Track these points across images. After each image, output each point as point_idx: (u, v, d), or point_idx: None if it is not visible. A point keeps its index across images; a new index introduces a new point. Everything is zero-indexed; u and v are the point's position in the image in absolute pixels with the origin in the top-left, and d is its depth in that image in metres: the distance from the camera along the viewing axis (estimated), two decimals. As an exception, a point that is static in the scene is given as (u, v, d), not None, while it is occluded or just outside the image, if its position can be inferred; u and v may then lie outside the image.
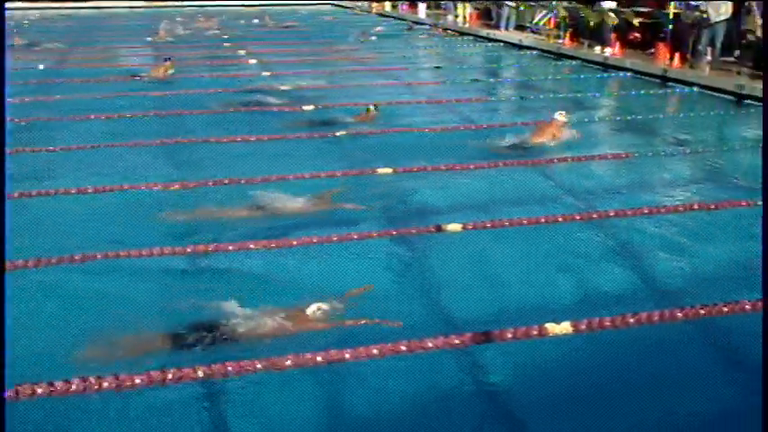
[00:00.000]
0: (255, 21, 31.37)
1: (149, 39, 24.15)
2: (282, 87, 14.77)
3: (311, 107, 12.84)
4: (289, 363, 4.65)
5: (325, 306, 5.27)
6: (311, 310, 5.23)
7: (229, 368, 4.56)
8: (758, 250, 6.93)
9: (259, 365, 4.61)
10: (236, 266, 6.36)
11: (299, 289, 5.77)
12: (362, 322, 5.17)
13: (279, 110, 12.80)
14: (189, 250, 6.52)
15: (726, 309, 5.31)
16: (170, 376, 4.48)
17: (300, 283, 5.94)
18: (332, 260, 6.48)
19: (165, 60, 16.91)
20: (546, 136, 10.49)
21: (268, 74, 16.91)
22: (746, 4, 17.38)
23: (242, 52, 20.88)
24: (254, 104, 13.14)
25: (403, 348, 4.79)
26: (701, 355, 5.23)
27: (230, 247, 6.57)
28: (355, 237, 6.81)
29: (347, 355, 4.75)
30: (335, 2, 42.28)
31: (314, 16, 34.79)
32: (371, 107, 12.08)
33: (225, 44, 23.05)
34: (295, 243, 6.69)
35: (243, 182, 8.40)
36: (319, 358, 4.71)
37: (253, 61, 19.20)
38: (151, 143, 10.37)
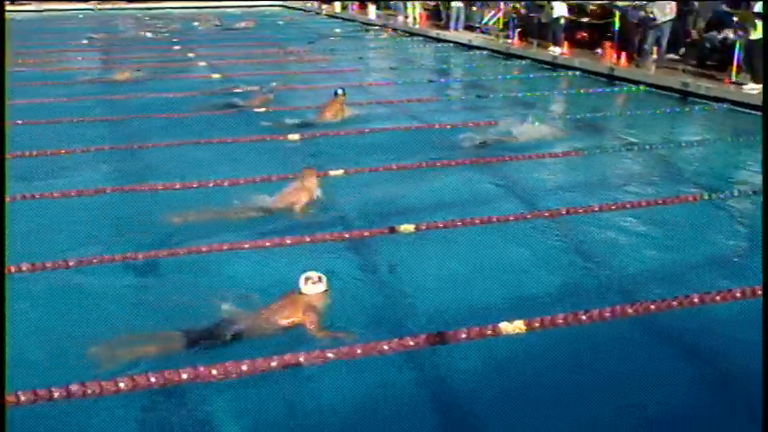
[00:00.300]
0: (201, 23, 31.08)
1: (86, 42, 23.76)
2: (234, 90, 14.66)
3: (263, 109, 12.76)
4: (245, 368, 4.60)
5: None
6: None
7: (184, 375, 4.50)
8: (705, 245, 7.11)
9: (214, 371, 4.56)
10: (189, 270, 6.30)
11: (250, 292, 5.73)
12: (321, 335, 5.12)
13: (230, 113, 12.70)
14: (141, 256, 6.45)
15: (675, 303, 5.39)
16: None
17: (253, 287, 5.89)
18: (285, 263, 6.43)
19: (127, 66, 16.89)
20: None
21: (219, 76, 16.78)
22: (690, 4, 17.73)
23: (191, 55, 20.68)
24: (204, 108, 13.01)
25: (358, 352, 4.78)
26: (653, 350, 5.29)
27: (181, 252, 6.49)
28: (308, 240, 6.77)
29: (302, 359, 4.72)
30: (285, 3, 42.07)
31: (264, 17, 34.58)
32: (339, 91, 12.12)
33: (175, 47, 22.81)
34: (247, 246, 6.64)
35: (195, 185, 8.33)
36: (274, 363, 4.67)
37: (202, 64, 19.03)
38: (102, 148, 10.23)
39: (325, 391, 4.67)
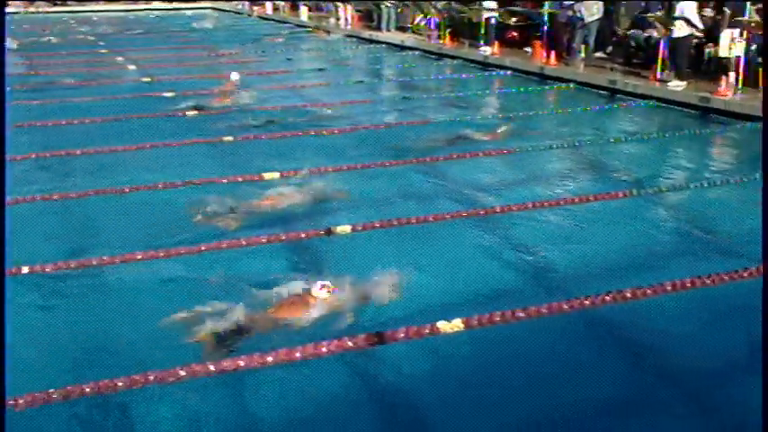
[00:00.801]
0: (134, 26, 30.61)
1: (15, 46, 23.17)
2: (165, 94, 14.44)
3: (195, 113, 12.61)
4: (183, 373, 4.53)
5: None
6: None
7: (119, 383, 4.42)
8: (636, 240, 7.25)
9: (151, 377, 4.48)
10: (125, 277, 6.20)
11: (190, 299, 5.65)
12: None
13: (161, 116, 12.51)
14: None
15: (608, 298, 5.48)
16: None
17: (194, 292, 5.82)
18: (225, 267, 6.37)
19: None
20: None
21: (149, 80, 16.52)
22: (616, 4, 18.13)
23: (120, 59, 20.31)
24: (135, 112, 12.79)
25: (297, 355, 4.75)
26: (589, 345, 5.38)
27: (117, 260, 6.37)
28: (244, 243, 6.71)
29: (241, 363, 4.67)
30: (215, 5, 41.66)
31: (195, 20, 34.15)
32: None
33: (102, 51, 22.38)
34: (183, 251, 6.55)
35: (126, 190, 8.19)
36: (212, 368, 4.62)
37: (132, 67, 18.71)
38: (27, 156, 9.97)
39: (264, 396, 4.64)
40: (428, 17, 23.24)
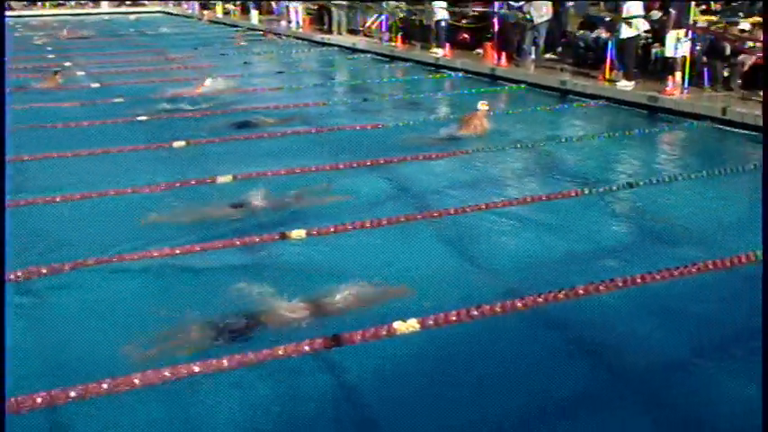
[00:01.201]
0: (83, 30, 30.18)
1: None
2: (115, 99, 14.28)
3: (146, 117, 12.49)
4: (137, 381, 4.49)
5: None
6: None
7: (71, 393, 4.35)
8: (588, 238, 7.35)
9: (105, 385, 4.42)
10: (76, 285, 6.12)
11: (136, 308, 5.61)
12: None
13: (112, 122, 12.35)
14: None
15: (561, 295, 5.56)
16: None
17: (136, 303, 5.78)
18: (177, 275, 6.32)
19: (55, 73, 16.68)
20: (472, 127, 11.38)
21: (97, 85, 16.31)
22: (564, 5, 18.37)
23: (68, 64, 20.01)
24: (86, 118, 12.61)
25: (252, 358, 4.73)
26: (543, 343, 5.44)
27: (43, 270, 6.22)
28: (197, 249, 6.66)
29: (196, 369, 4.64)
30: (165, 9, 41.26)
31: (145, 24, 33.79)
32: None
33: (49, 56, 22.03)
34: (137, 257, 6.48)
35: (77, 197, 8.08)
36: (167, 373, 4.57)
37: (81, 73, 18.45)
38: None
39: (221, 402, 4.62)
40: (382, 14, 23.26)
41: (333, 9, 25.16)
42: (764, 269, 5.23)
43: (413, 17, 21.75)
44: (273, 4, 33.03)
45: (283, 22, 29.71)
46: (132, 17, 37.81)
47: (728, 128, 11.78)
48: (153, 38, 28.02)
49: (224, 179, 8.67)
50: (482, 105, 11.71)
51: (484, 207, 7.89)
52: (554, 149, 10.80)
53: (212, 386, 4.68)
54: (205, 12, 38.12)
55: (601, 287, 5.71)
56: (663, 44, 14.22)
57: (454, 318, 5.23)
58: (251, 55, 22.90)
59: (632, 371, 5.07)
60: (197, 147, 10.64)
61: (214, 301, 5.73)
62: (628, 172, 9.70)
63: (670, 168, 10.00)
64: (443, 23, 19.65)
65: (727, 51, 13.57)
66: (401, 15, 22.08)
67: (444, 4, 19.85)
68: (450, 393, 4.76)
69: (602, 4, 17.35)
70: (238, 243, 6.92)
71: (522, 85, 15.81)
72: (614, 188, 8.74)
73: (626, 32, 14.13)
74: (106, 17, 37.34)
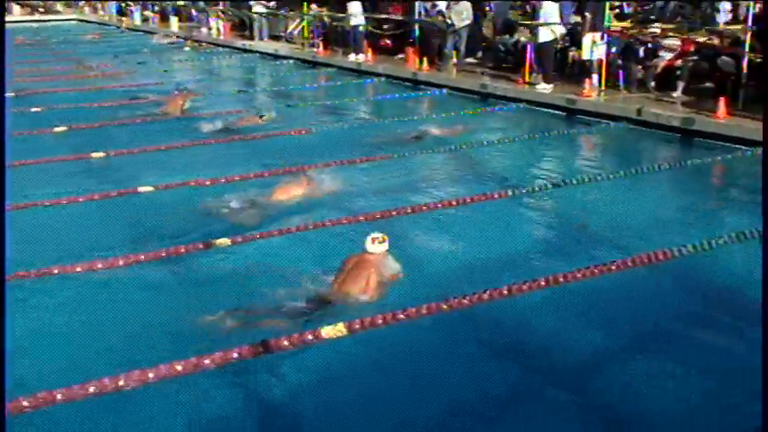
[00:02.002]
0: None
1: None
2: (32, 109, 13.91)
3: (64, 128, 12.20)
4: (60, 397, 4.38)
5: None
6: None
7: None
8: (511, 239, 7.46)
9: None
10: None
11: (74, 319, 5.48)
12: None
13: (28, 133, 12.02)
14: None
15: (486, 296, 5.63)
16: None
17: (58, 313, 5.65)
18: (99, 289, 6.20)
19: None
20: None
21: (12, 94, 15.85)
22: (485, 9, 18.67)
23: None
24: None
25: (179, 369, 4.66)
26: (470, 343, 5.49)
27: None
28: (121, 262, 6.53)
29: (121, 382, 4.55)
30: (82, 17, 40.39)
31: (61, 32, 33.00)
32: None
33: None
34: (56, 272, 6.33)
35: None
36: (92, 389, 4.47)
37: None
38: None
39: (150, 415, 4.54)
40: (304, 21, 23.21)
41: (255, 15, 24.98)
42: (764, 267, 5.36)
43: (334, 23, 21.77)
44: (193, 10, 32.64)
45: (203, 29, 29.39)
46: (52, 24, 36.88)
47: (643, 128, 12.13)
48: (72, 46, 27.37)
49: (145, 189, 8.52)
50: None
51: (410, 210, 7.93)
52: (476, 152, 10.93)
53: (138, 400, 4.60)
54: (123, 19, 37.48)
55: (524, 287, 5.80)
56: (579, 47, 14.57)
57: (380, 321, 5.25)
58: (171, 63, 22.59)
59: (558, 369, 5.16)
60: (117, 157, 10.43)
61: (137, 314, 5.63)
62: (549, 173, 9.88)
63: (589, 169, 10.23)
64: (361, 28, 19.71)
65: (641, 54, 13.99)
66: (325, 20, 22.06)
67: (360, 8, 19.83)
68: (376, 396, 4.77)
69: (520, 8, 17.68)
70: (163, 254, 6.81)
71: (444, 90, 15.98)
72: (536, 189, 8.88)
73: (544, 37, 14.41)
74: (25, 25, 36.28)
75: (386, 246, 6.03)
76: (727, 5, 13.79)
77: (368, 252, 5.97)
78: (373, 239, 5.99)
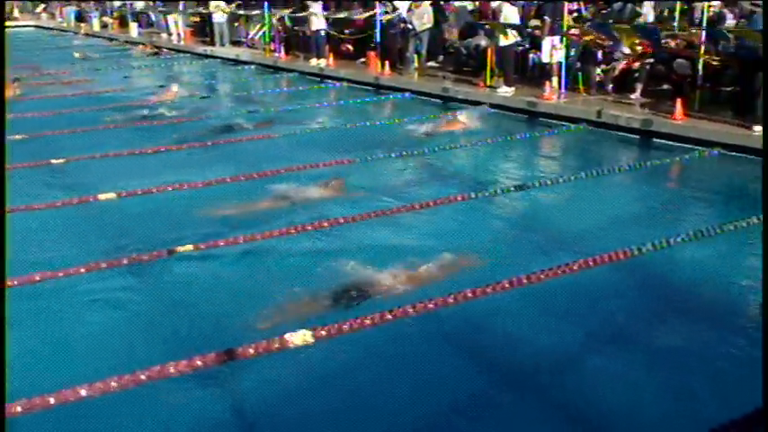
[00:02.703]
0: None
1: None
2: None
3: (22, 136, 12.03)
4: (19, 409, 4.32)
5: None
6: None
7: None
8: (476, 240, 7.51)
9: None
10: None
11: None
12: None
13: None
14: None
15: (450, 300, 5.67)
16: None
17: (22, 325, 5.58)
18: (64, 300, 6.13)
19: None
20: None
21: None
22: (446, 13, 18.77)
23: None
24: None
25: (143, 378, 4.63)
26: (436, 347, 5.52)
27: None
28: (83, 270, 6.46)
29: (83, 393, 4.50)
30: (39, 23, 39.88)
31: (18, 38, 32.55)
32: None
33: None
34: (16, 283, 6.24)
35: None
36: (52, 400, 4.42)
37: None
38: None
39: (112, 426, 4.51)
40: (262, 29, 23.12)
41: (215, 20, 24.81)
42: (764, 266, 5.42)
43: (296, 28, 21.73)
44: (152, 16, 32.35)
45: (164, 35, 29.16)
46: (8, 31, 36.30)
47: (603, 129, 12.29)
48: (29, 53, 26.98)
49: (107, 196, 8.44)
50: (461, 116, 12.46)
51: (372, 215, 7.94)
52: (440, 155, 10.99)
53: (101, 410, 4.56)
54: (82, 25, 37.06)
55: (488, 289, 5.85)
56: (539, 51, 14.73)
57: (347, 327, 5.26)
58: (131, 69, 22.40)
59: (523, 369, 5.21)
60: (78, 163, 10.32)
61: (99, 320, 5.59)
62: (512, 175, 9.95)
63: (551, 170, 10.35)
64: (322, 33, 19.70)
65: (600, 57, 14.18)
66: (287, 23, 22.00)
67: (320, 8, 19.79)
68: (342, 402, 4.78)
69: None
70: (125, 261, 6.76)
71: (406, 94, 16.03)
72: (499, 191, 8.96)
73: (503, 40, 14.53)
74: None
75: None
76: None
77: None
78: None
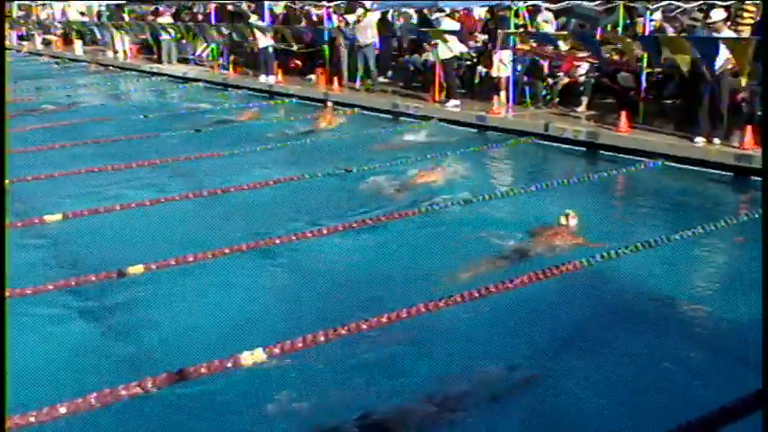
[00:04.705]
0: None
1: None
2: None
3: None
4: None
5: None
6: None
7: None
8: (426, 256, 7.53)
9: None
10: None
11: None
12: None
13: None
14: None
15: (404, 314, 5.69)
16: None
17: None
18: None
19: None
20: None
21: None
22: (392, 29, 18.87)
23: None
24: None
25: (93, 402, 4.55)
26: (392, 361, 5.49)
27: None
28: (29, 292, 6.33)
29: (32, 419, 4.41)
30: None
31: None
32: None
33: None
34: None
35: None
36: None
37: None
38: None
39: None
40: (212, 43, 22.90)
41: (162, 37, 24.52)
42: (764, 272, 5.48)
43: (244, 44, 21.58)
44: (97, 32, 31.86)
45: (109, 53, 28.79)
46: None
47: (550, 143, 12.46)
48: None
49: (53, 218, 8.29)
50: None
51: (325, 232, 7.91)
52: (389, 171, 10.97)
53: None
54: (24, 43, 36.45)
55: (441, 303, 5.88)
56: (487, 65, 14.89)
57: (300, 344, 5.24)
58: (76, 87, 22.01)
59: (478, 379, 5.22)
60: (21, 185, 10.10)
61: (51, 344, 5.48)
62: (461, 189, 9.96)
63: (501, 184, 10.45)
64: (270, 50, 19.63)
65: (546, 71, 14.40)
66: (235, 39, 21.84)
67: (269, 35, 19.73)
68: (303, 417, 4.75)
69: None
70: (73, 283, 6.63)
71: (356, 109, 16.06)
72: (449, 205, 8.99)
73: (444, 53, 14.67)
74: None
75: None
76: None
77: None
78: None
